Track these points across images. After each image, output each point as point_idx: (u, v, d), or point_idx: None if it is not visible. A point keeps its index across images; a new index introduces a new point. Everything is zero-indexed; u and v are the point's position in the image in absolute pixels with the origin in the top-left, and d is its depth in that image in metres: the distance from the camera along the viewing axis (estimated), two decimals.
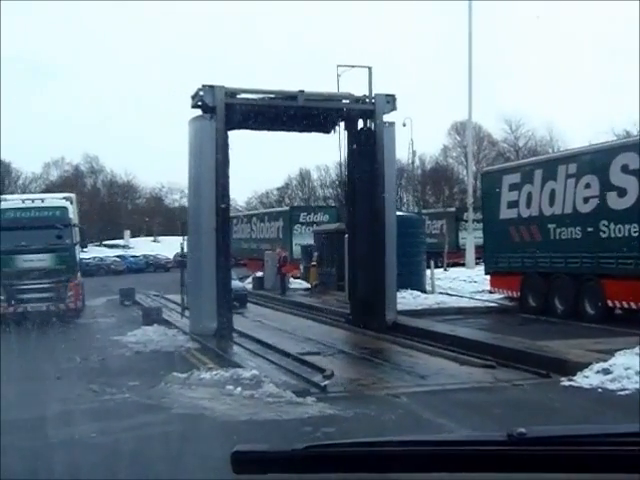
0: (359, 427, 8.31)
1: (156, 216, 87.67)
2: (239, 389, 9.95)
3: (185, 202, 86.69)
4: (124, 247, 69.72)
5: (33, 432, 8.28)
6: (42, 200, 22.29)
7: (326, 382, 10.40)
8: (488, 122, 70.50)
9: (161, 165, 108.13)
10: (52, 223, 20.69)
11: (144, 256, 61.74)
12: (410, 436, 1.91)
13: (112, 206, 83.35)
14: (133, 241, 75.05)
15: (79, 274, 22.14)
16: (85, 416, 9.12)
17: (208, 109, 15.72)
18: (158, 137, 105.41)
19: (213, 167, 15.59)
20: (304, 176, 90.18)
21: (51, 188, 73.45)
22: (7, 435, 8.09)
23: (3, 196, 25.49)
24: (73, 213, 21.83)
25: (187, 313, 18.45)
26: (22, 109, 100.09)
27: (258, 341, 15.05)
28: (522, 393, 10.14)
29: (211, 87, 15.63)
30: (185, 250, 19.22)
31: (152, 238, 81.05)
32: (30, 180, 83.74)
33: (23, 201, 22.13)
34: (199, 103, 15.90)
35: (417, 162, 57.13)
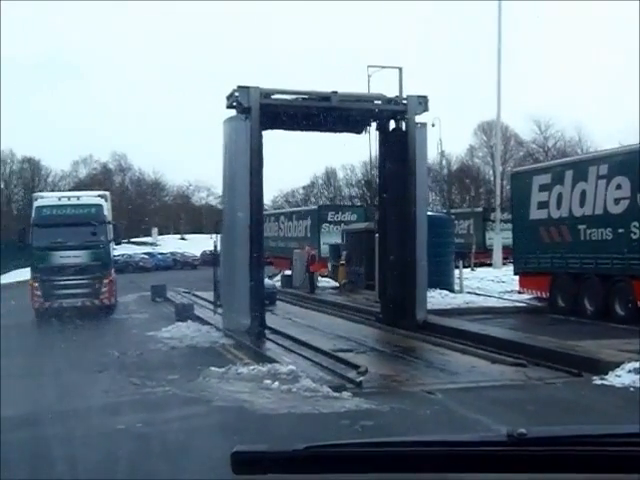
0: (396, 421, 8.52)
1: (183, 214, 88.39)
2: (277, 383, 10.21)
3: (212, 200, 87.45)
4: (152, 245, 70.33)
5: (82, 422, 8.60)
6: (78, 198, 22.73)
7: (361, 378, 10.63)
8: (515, 122, 70.40)
9: (188, 163, 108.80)
10: (87, 220, 21.11)
11: (172, 254, 62.39)
12: (410, 437, 1.92)
13: (140, 204, 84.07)
14: (161, 239, 75.64)
15: (113, 271, 22.56)
16: (129, 408, 9.44)
17: (243, 109, 15.98)
18: (186, 136, 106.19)
19: (248, 166, 15.87)
20: (330, 175, 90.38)
21: (80, 186, 74.30)
22: (58, 424, 8.45)
23: (39, 194, 26.04)
24: (108, 210, 22.23)
25: (220, 310, 18.78)
26: (50, 107, 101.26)
27: (291, 338, 15.31)
28: (555, 391, 10.28)
29: (246, 88, 15.89)
30: (218, 248, 19.49)
31: (179, 236, 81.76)
32: (59, 178, 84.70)
33: (59, 199, 22.56)
34: (234, 104, 16.17)
35: (443, 162, 57.04)
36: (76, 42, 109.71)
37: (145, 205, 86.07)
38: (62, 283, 20.65)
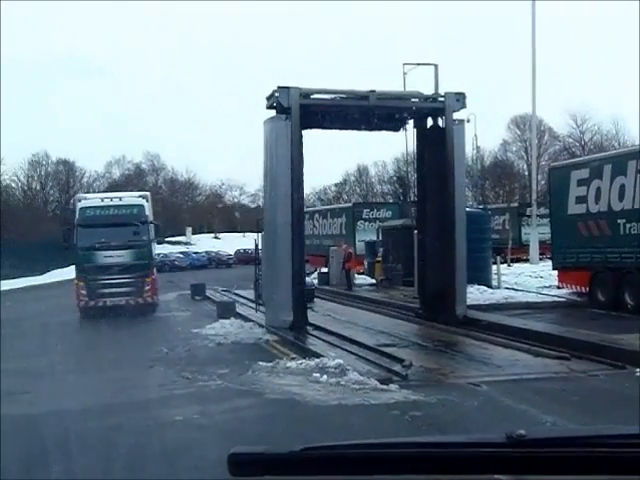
0: (444, 412, 8.75)
1: (216, 213, 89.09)
2: (325, 377, 10.49)
3: (244, 199, 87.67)
4: (186, 244, 71.15)
5: (141, 413, 8.98)
6: (120, 198, 23.22)
7: (407, 371, 10.87)
8: (550, 115, 69.99)
9: (220, 163, 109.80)
10: (130, 220, 21.58)
11: (206, 252, 63.06)
12: (408, 438, 1.90)
13: (173, 203, 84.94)
14: (194, 238, 76.45)
15: (155, 269, 23.02)
16: (184, 400, 9.78)
17: (283, 110, 16.27)
18: (218, 135, 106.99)
19: (288, 165, 16.16)
20: (362, 172, 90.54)
21: (114, 186, 75.31)
22: (119, 415, 8.83)
23: (82, 195, 26.63)
24: (149, 210, 22.68)
25: (261, 307, 19.10)
26: (82, 108, 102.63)
27: (333, 333, 15.57)
28: (598, 383, 10.43)
29: (286, 88, 16.18)
30: (259, 246, 19.82)
31: (213, 235, 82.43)
32: (94, 179, 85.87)
33: (102, 200, 23.08)
34: (274, 104, 16.46)
35: (475, 157, 56.92)
36: (110, 42, 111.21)
37: (179, 204, 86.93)
38: (106, 282, 21.12)
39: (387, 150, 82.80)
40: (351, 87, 17.56)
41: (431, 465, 1.72)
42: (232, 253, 63.54)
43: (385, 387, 9.95)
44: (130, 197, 23.91)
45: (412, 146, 18.27)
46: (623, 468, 1.64)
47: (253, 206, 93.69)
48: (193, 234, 78.30)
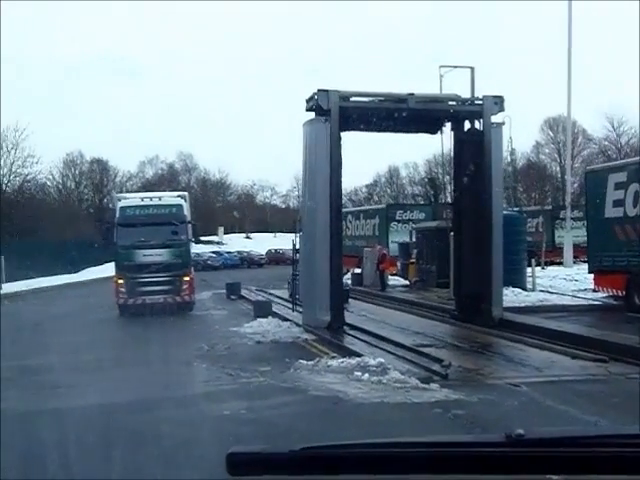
0: (485, 411, 8.92)
1: (248, 213, 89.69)
2: (367, 375, 10.70)
3: (275, 200, 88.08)
4: (218, 243, 71.72)
5: (190, 408, 9.25)
6: (159, 198, 23.59)
7: (447, 371, 11.03)
8: (584, 117, 69.36)
9: (252, 163, 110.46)
10: (169, 220, 21.93)
11: (238, 252, 63.58)
12: (407, 438, 1.93)
13: (206, 203, 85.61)
14: (226, 237, 77.03)
15: (192, 268, 23.36)
16: (230, 396, 10.03)
17: (322, 112, 16.49)
18: (250, 136, 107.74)
19: (327, 166, 16.38)
20: (393, 173, 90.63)
21: (147, 185, 76.18)
22: (168, 409, 9.11)
23: (122, 194, 27.09)
24: (187, 210, 23.03)
25: (298, 307, 19.34)
26: (116, 108, 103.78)
27: (369, 333, 15.73)
28: (638, 386, 10.50)
29: (325, 91, 16.40)
30: (297, 246, 20.06)
31: (244, 235, 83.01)
32: (127, 178, 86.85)
33: (142, 199, 23.45)
34: (314, 106, 16.69)
35: (509, 159, 56.72)
36: (144, 42, 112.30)
37: (211, 204, 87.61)
38: (145, 280, 21.48)
39: (418, 151, 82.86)
40: (384, 88, 17.77)
41: (430, 464, 1.74)
42: (264, 253, 64.00)
43: (426, 386, 10.12)
44: (169, 197, 24.28)
45: (444, 147, 18.36)
46: (623, 468, 1.66)
47: (283, 207, 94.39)
48: (225, 234, 78.91)
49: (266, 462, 1.79)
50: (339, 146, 16.63)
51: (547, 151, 74.96)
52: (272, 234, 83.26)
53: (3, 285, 32.99)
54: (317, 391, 10.04)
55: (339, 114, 16.46)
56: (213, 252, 60.25)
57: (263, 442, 6.16)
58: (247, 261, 61.02)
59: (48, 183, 78.44)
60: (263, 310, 19.59)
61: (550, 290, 23.22)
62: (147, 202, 22.81)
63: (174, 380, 11.23)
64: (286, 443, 1.87)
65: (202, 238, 73.96)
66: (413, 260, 28.62)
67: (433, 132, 18.50)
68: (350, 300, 24.40)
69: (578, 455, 1.69)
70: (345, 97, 16.79)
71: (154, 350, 14.60)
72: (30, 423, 8.34)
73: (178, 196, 24.19)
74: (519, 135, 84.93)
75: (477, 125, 17.61)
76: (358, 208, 52.45)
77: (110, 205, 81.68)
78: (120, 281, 21.73)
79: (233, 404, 9.33)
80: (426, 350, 13.26)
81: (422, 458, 1.74)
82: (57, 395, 10.09)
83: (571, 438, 1.78)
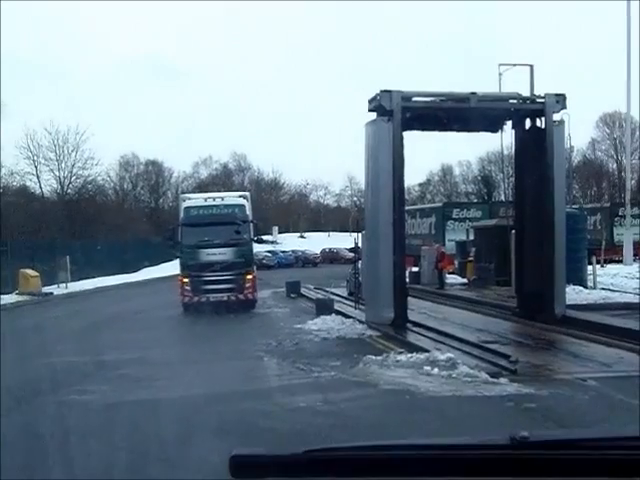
0: (556, 404, 9.08)
1: (301, 212, 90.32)
2: (436, 370, 10.95)
3: (328, 199, 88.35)
4: (272, 243, 72.38)
5: (266, 400, 9.63)
6: (222, 198, 24.12)
7: (515, 366, 11.20)
8: None
9: (305, 162, 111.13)
10: (232, 219, 22.42)
11: (293, 251, 64.18)
12: (411, 440, 1.93)
13: (260, 203, 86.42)
14: (281, 237, 77.68)
15: (254, 267, 23.82)
16: (303, 389, 10.35)
17: (385, 112, 16.74)
18: (303, 136, 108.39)
19: (390, 166, 16.63)
20: (446, 171, 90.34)
21: (201, 186, 77.37)
22: (247, 401, 9.51)
23: (186, 195, 27.74)
24: (249, 210, 23.51)
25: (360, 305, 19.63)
26: (170, 110, 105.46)
27: (433, 330, 15.91)
28: None
29: (389, 92, 16.63)
30: (359, 245, 20.35)
31: (298, 234, 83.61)
32: (182, 178, 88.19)
33: (205, 199, 24.01)
34: (376, 107, 16.95)
35: (566, 156, 56.13)
36: (197, 44, 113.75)
37: (265, 204, 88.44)
38: (209, 279, 22.00)
39: (471, 149, 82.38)
40: (441, 86, 17.94)
41: (434, 467, 1.74)
42: (318, 252, 64.47)
43: (496, 380, 10.32)
44: (232, 197, 24.80)
45: (499, 145, 18.49)
46: (625, 470, 1.66)
47: (336, 206, 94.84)
48: (279, 233, 79.60)
49: (269, 465, 1.78)
50: (402, 146, 16.85)
51: (603, 148, 73.99)
52: (326, 233, 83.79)
53: (69, 284, 33.99)
54: (389, 385, 10.33)
55: (401, 114, 16.70)
56: (268, 251, 60.90)
57: (346, 433, 6.51)
58: (302, 260, 61.55)
59: (105, 185, 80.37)
60: (325, 308, 19.91)
61: (612, 288, 23.11)
62: (210, 202, 23.34)
63: (249, 374, 11.64)
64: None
65: (263, 237, 74.87)
66: (471, 258, 28.69)
67: (494, 130, 18.62)
68: (409, 298, 24.60)
69: (582, 458, 1.69)
70: (407, 97, 17.01)
71: (224, 346, 15.08)
72: (122, 413, 8.84)
73: (240, 196, 24.70)
74: (575, 132, 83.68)
75: (538, 123, 17.66)
76: (414, 207, 52.51)
77: (166, 206, 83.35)
78: (185, 280, 22.29)
79: (308, 397, 9.66)
80: (492, 346, 13.42)
81: (426, 460, 1.75)
82: (141, 388, 10.59)
83: (575, 441, 1.79)
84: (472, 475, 1.71)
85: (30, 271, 30.53)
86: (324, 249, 65.96)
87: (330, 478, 1.78)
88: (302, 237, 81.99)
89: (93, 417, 8.88)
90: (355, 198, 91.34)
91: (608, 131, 72.16)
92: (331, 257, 62.95)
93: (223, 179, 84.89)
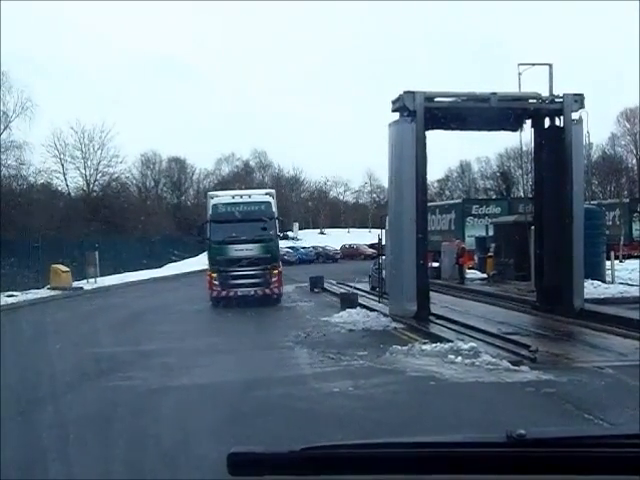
0: (575, 389, 9.64)
1: (321, 209, 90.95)
2: (460, 358, 11.56)
3: (348, 196, 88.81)
4: (293, 239, 73.10)
5: (302, 385, 10.28)
6: (249, 195, 24.80)
7: (535, 355, 11.78)
8: None
9: (325, 160, 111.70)
10: (258, 216, 23.11)
11: (313, 247, 64.85)
12: (408, 437, 1.94)
13: (280, 199, 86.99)
14: (301, 233, 78.38)
15: (280, 262, 24.49)
16: (335, 376, 10.98)
17: (408, 112, 17.33)
18: (322, 133, 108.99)
19: (413, 164, 17.21)
20: (464, 168, 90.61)
21: (223, 183, 78.06)
22: (284, 386, 10.16)
23: (214, 192, 28.44)
24: (274, 207, 24.18)
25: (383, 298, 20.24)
26: (191, 109, 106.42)
27: (455, 322, 16.46)
28: None
29: (412, 93, 17.22)
30: (383, 240, 20.95)
31: (318, 230, 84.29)
32: (204, 175, 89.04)
33: (232, 197, 24.68)
34: (399, 107, 17.53)
35: (585, 152, 56.29)
36: (219, 44, 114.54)
37: (285, 200, 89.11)
38: (237, 274, 22.71)
39: (490, 146, 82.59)
40: (461, 87, 18.48)
41: (431, 465, 1.75)
42: (338, 248, 65.13)
43: (517, 368, 10.91)
44: (258, 194, 25.45)
45: (517, 141, 18.98)
46: (623, 468, 1.67)
47: (355, 202, 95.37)
48: (299, 229, 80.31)
49: (267, 462, 1.79)
50: (424, 145, 17.44)
51: (623, 143, 74.01)
52: (345, 229, 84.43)
53: (98, 279, 34.84)
54: (415, 372, 10.94)
55: (424, 114, 17.27)
56: (289, 247, 61.63)
57: (378, 412, 7.19)
58: (322, 256, 62.25)
59: (128, 182, 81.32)
60: (350, 301, 20.55)
61: (630, 282, 23.52)
62: (238, 199, 24.00)
63: (281, 362, 12.27)
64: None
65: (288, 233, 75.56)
66: (491, 254, 29.18)
67: (514, 129, 19.14)
68: (430, 293, 25.16)
69: (579, 455, 1.70)
70: (430, 98, 17.58)
71: (255, 337, 15.77)
72: (168, 397, 9.52)
73: (266, 193, 25.36)
74: (594, 127, 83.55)
75: (557, 122, 18.19)
76: (434, 203, 52.87)
77: (188, 203, 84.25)
78: (214, 274, 22.99)
79: (340, 383, 10.27)
80: (512, 337, 13.98)
81: (423, 458, 1.76)
82: (182, 375, 11.26)
83: (572, 438, 1.80)
84: (469, 472, 1.72)
85: (61, 266, 31.39)
86: (344, 245, 66.64)
87: (327, 476, 1.78)
88: (322, 233, 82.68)
89: (140, 400, 9.55)
90: (374, 195, 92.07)
91: (629, 126, 72.22)
92: (351, 253, 63.61)
93: (244, 176, 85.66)
